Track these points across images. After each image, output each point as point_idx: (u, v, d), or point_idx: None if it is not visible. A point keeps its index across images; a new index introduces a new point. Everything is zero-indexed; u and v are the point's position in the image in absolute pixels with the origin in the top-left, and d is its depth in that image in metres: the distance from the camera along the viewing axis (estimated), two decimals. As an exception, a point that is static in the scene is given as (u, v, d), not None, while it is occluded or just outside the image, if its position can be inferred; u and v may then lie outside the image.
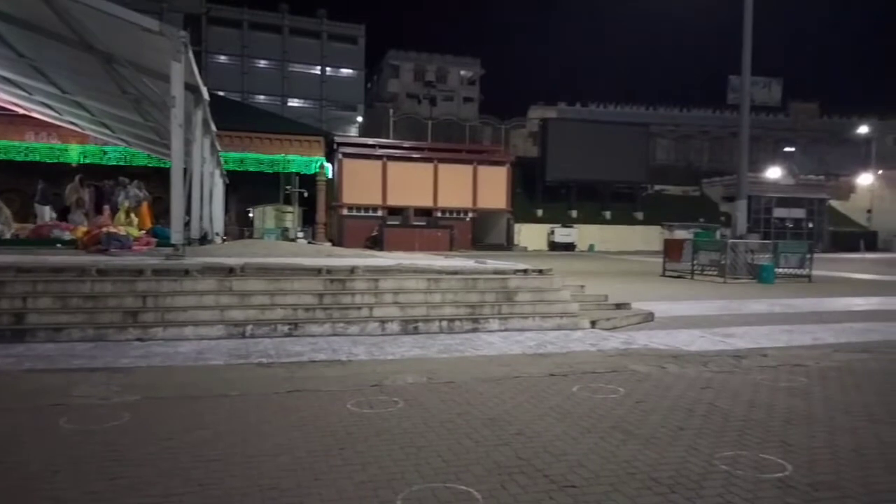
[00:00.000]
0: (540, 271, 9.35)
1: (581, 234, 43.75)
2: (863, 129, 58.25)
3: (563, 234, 43.28)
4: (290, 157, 35.12)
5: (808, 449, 3.93)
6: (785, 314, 10.66)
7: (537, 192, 47.36)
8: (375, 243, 34.07)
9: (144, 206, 18.31)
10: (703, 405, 4.90)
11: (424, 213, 39.62)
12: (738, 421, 4.50)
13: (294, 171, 35.76)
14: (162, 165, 25.53)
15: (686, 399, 5.07)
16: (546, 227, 44.16)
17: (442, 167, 40.53)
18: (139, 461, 3.57)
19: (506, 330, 8.01)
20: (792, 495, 3.24)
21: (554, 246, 42.52)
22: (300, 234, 35.82)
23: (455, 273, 8.83)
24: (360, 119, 58.32)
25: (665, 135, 59.81)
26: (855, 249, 44.83)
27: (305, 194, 37.67)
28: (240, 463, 3.56)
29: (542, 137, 49.23)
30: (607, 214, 47.82)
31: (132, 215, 16.93)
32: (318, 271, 8.36)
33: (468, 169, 41.15)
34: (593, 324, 8.40)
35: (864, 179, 55.22)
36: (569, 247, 42.18)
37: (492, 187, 41.28)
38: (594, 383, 5.52)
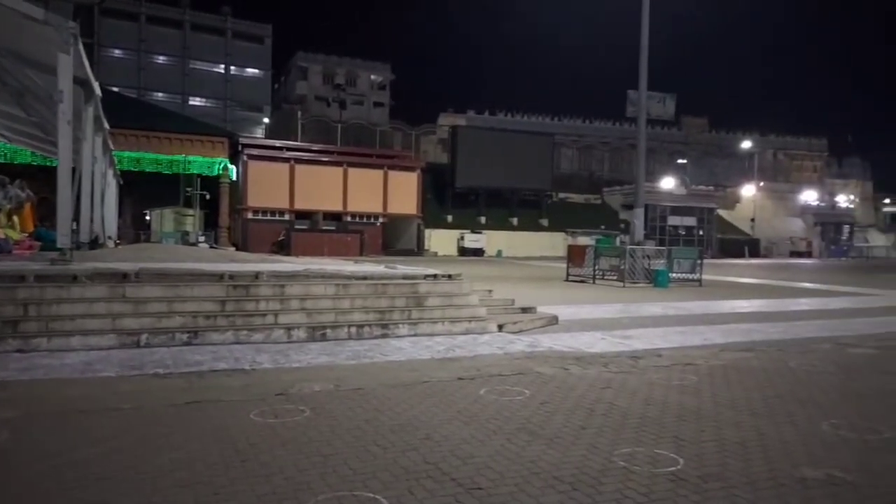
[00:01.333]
0: (449, 276, 9.44)
1: (490, 240, 44.55)
2: (746, 144, 62.93)
3: (472, 240, 43.89)
4: (191, 157, 33.64)
5: (697, 443, 4.18)
6: (678, 316, 11.29)
7: (447, 199, 47.82)
8: (282, 248, 33.25)
9: (27, 207, 16.93)
10: (604, 404, 5.10)
11: (334, 217, 39.07)
12: (636, 418, 4.72)
13: (195, 172, 34.27)
14: (48, 164, 23.76)
15: (588, 399, 5.26)
16: (456, 233, 44.66)
17: (352, 171, 40.14)
18: (19, 483, 3.29)
19: (415, 335, 8.02)
20: (683, 488, 3.42)
21: (463, 251, 43.05)
22: (201, 239, 34.37)
23: (364, 278, 8.75)
24: (266, 120, 56.79)
25: (569, 145, 62.06)
26: (740, 255, 48.33)
27: (207, 197, 36.20)
28: (132, 480, 3.36)
29: (451, 144, 49.78)
30: (515, 221, 48.99)
31: (14, 217, 15.63)
32: (219, 277, 8.04)
33: (379, 174, 40.97)
34: (500, 327, 8.57)
35: (748, 190, 59.61)
36: (478, 252, 42.83)
37: (402, 193, 41.30)
38: (501, 386, 5.62)
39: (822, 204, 63.78)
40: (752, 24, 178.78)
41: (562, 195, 55.49)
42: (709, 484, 3.48)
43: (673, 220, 50.55)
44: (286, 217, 38.04)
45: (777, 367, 6.79)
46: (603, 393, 5.48)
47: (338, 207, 39.48)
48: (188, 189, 35.98)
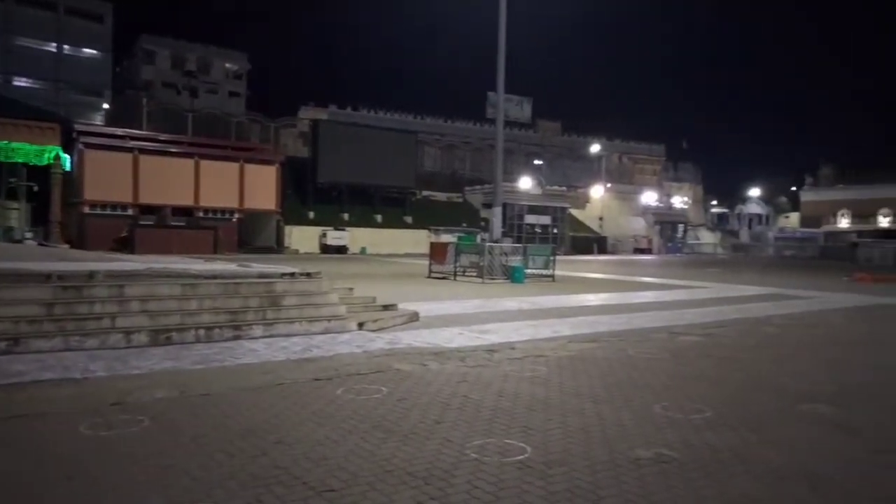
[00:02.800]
0: (308, 274, 9.19)
1: (353, 237, 44.10)
2: (595, 148, 67.36)
3: (335, 237, 43.20)
4: (14, 144, 29.96)
5: (544, 431, 4.37)
6: (532, 311, 11.81)
7: (309, 194, 46.71)
8: (125, 245, 30.70)
9: None
10: (459, 398, 5.20)
11: (184, 212, 36.72)
12: (488, 410, 4.85)
13: (20, 160, 30.59)
14: None
15: (444, 394, 5.34)
16: (318, 230, 43.72)
17: (204, 164, 37.95)
18: None
19: (271, 336, 7.72)
20: (530, 475, 3.56)
21: (326, 249, 42.25)
22: (28, 235, 30.90)
23: (214, 277, 8.28)
24: (106, 106, 52.09)
25: (432, 143, 63.01)
26: (590, 252, 51.66)
27: (36, 189, 32.59)
28: (-76, 512, 2.92)
29: (313, 138, 48.68)
30: (379, 218, 48.89)
31: None
32: (46, 277, 7.25)
33: (234, 167, 39.09)
34: (361, 326, 8.48)
35: (597, 191, 63.86)
36: (341, 249, 42.24)
37: (260, 187, 39.71)
38: (358, 385, 5.56)
39: (661, 205, 69.87)
40: (600, 37, 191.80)
41: (425, 193, 56.22)
42: (553, 469, 3.64)
43: (530, 219, 52.97)
44: (129, 212, 35.18)
45: (618, 355, 7.31)
46: (459, 387, 5.59)
47: (188, 202, 37.16)
48: (12, 180, 32.18)
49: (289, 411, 4.71)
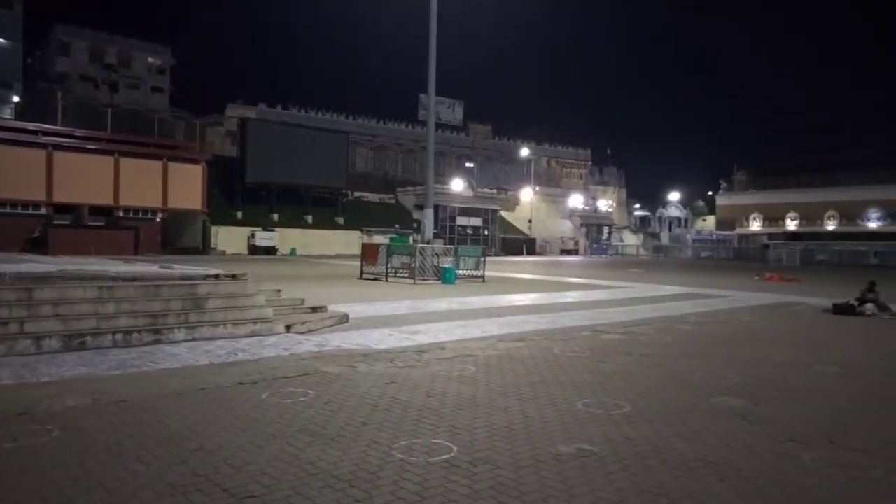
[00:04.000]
0: (233, 276, 8.96)
1: (283, 238, 43.22)
2: (525, 152, 68.65)
3: (264, 238, 42.21)
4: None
5: (471, 430, 4.44)
6: (462, 311, 11.93)
7: (237, 194, 45.45)
8: (38, 246, 29.00)
9: None
10: (387, 399, 5.20)
11: (103, 211, 35.06)
12: (416, 411, 4.88)
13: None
14: None
15: (372, 395, 5.33)
16: (246, 230, 42.61)
17: (125, 161, 36.36)
18: None
19: (193, 340, 7.48)
20: (455, 473, 3.61)
21: (255, 250, 41.22)
22: (-72, 235, 28.72)
23: (134, 279, 7.96)
24: (16, 99, 49.09)
25: (364, 144, 62.53)
26: (520, 253, 52.57)
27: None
28: None
29: (241, 137, 47.38)
30: (309, 218, 48.12)
31: None
32: (-54, 280, 6.78)
33: (157, 165, 37.64)
34: (288, 328, 8.34)
35: (526, 194, 65.08)
36: (270, 251, 41.31)
37: (185, 186, 38.39)
38: (285, 388, 5.47)
39: (587, 208, 71.93)
40: (530, 43, 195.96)
41: (357, 194, 55.75)
42: (478, 468, 3.71)
43: (461, 220, 53.43)
44: (42, 211, 33.31)
45: (543, 354, 7.49)
46: (387, 388, 5.59)
47: (108, 201, 35.53)
48: None
49: (211, 417, 4.59)
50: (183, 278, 8.44)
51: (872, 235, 61.41)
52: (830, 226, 69.89)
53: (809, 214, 72.18)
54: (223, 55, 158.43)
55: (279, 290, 10.07)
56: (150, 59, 56.40)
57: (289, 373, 6.06)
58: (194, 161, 39.86)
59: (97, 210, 34.56)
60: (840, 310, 12.64)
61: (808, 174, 74.82)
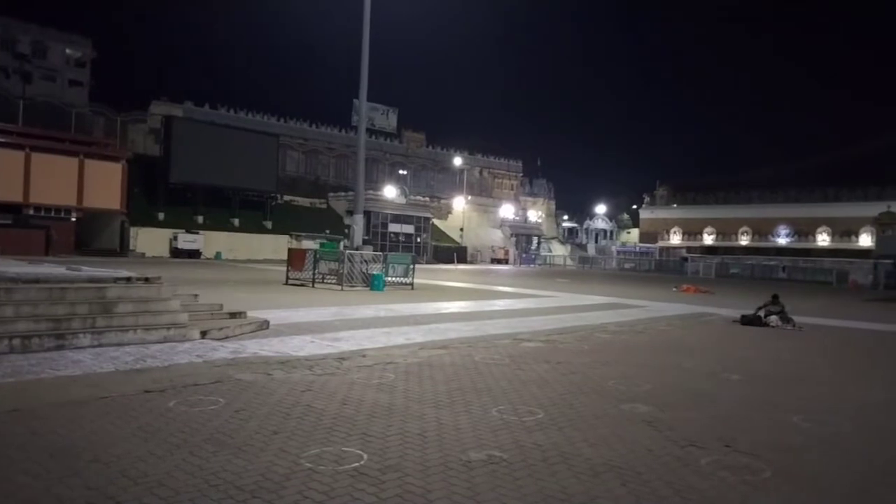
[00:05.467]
0: (146, 279, 8.59)
1: (207, 241, 41.89)
2: (458, 161, 69.26)
3: (187, 241, 40.80)
4: None
5: (383, 437, 4.41)
6: (388, 318, 11.87)
7: (159, 195, 43.77)
8: (-65, 244, 27.01)
9: None
10: (301, 407, 5.11)
11: (11, 209, 33.01)
12: (330, 419, 4.81)
13: None
14: None
15: (286, 403, 5.22)
16: (168, 233, 41.07)
17: (37, 157, 34.37)
18: None
19: (100, 346, 7.12)
20: (363, 482, 3.58)
21: (177, 253, 39.77)
22: None
23: (36, 281, 7.51)
24: (-85, 86, 45.61)
25: (295, 147, 61.45)
26: (451, 261, 52.85)
27: None
28: None
29: (165, 136, 45.72)
30: (236, 222, 46.86)
31: None
32: None
33: (73, 162, 35.76)
34: (204, 334, 8.06)
35: (459, 203, 65.61)
36: (194, 254, 39.95)
37: (103, 185, 36.63)
38: (194, 396, 5.28)
39: (518, 218, 73.18)
40: (464, 54, 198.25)
41: (287, 198, 54.71)
42: (387, 475, 3.69)
43: (394, 227, 53.30)
44: (-58, 206, 31.08)
45: (464, 361, 7.55)
46: (302, 396, 5.49)
47: (17, 198, 33.49)
48: None
49: (111, 426, 4.38)
50: (91, 281, 8.04)
51: (781, 251, 65.24)
52: (744, 241, 73.82)
53: (725, 230, 76.04)
54: (149, 50, 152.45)
55: (196, 295, 9.74)
56: (68, 51, 53.55)
57: (200, 380, 5.86)
58: (114, 159, 38.14)
59: (4, 207, 32.52)
60: (747, 321, 13.34)
61: (724, 191, 78.95)
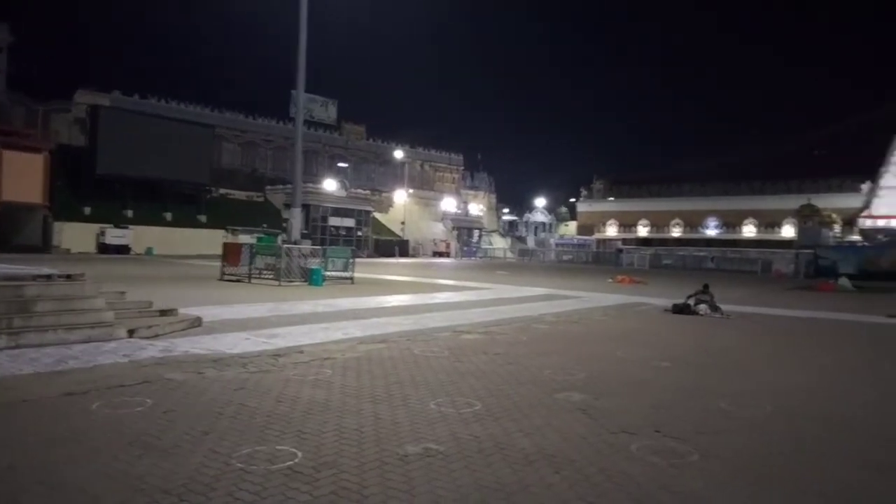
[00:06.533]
0: (68, 276, 8.17)
1: (138, 236, 40.26)
2: (399, 154, 68.92)
3: (115, 236, 39.10)
4: None
5: (319, 434, 4.35)
6: (327, 313, 11.71)
7: (85, 187, 41.78)
8: None
9: None
10: (234, 406, 4.98)
11: (-81, 203, 30.89)
12: (264, 417, 4.71)
13: None
14: None
15: (218, 402, 5.08)
16: (95, 227, 39.26)
17: (-51, 147, 32.25)
18: None
19: (17, 347, 6.74)
20: (297, 480, 3.51)
21: (105, 248, 38.07)
22: None
23: (-55, 280, 7.05)
24: None
25: (231, 139, 59.81)
26: (392, 255, 52.62)
27: None
28: None
29: (92, 126, 43.63)
30: (169, 216, 45.21)
31: None
32: None
33: (-12, 153, 33.70)
34: (131, 333, 7.75)
35: (400, 196, 65.34)
36: (122, 249, 38.33)
37: (23, 177, 34.64)
38: (119, 398, 5.07)
39: (459, 211, 73.48)
40: (405, 45, 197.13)
41: (223, 191, 53.16)
42: (321, 473, 3.64)
43: (334, 221, 52.55)
44: None
45: (403, 355, 7.53)
46: (235, 395, 5.35)
47: (-75, 191, 31.35)
48: None
49: (28, 432, 4.16)
50: (7, 279, 7.60)
51: (710, 242, 67.83)
52: (676, 232, 76.47)
53: (658, 222, 78.60)
54: (74, 37, 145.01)
55: (123, 293, 9.36)
56: (-19, 35, 50.34)
57: (126, 381, 5.63)
58: (34, 150, 36.13)
59: (-89, 201, 30.39)
60: (678, 310, 13.82)
61: (658, 185, 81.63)
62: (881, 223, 61.60)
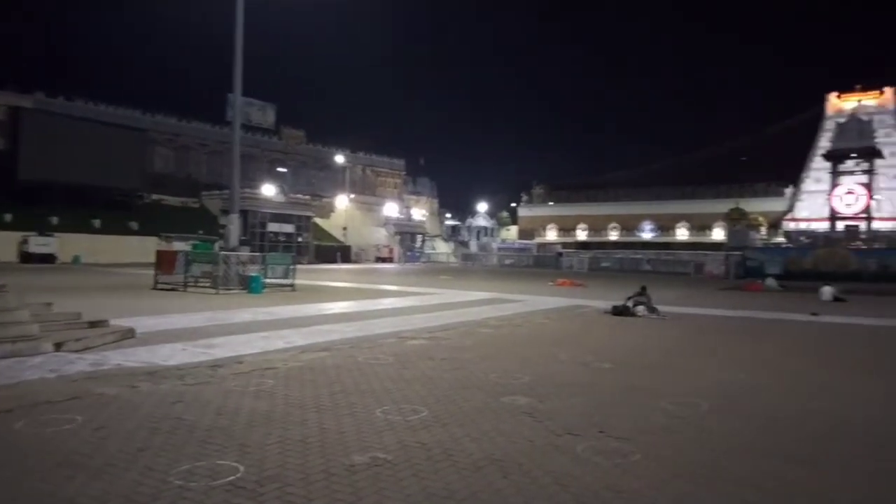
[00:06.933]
0: (-12, 288, 7.71)
1: (64, 244, 38.39)
2: (340, 159, 68.25)
3: (39, 244, 37.19)
4: None
5: (262, 447, 4.23)
6: (267, 321, 11.44)
7: (5, 194, 39.60)
8: None
9: None
10: (171, 420, 4.79)
11: None
12: (203, 431, 4.54)
13: None
14: None
15: (154, 417, 4.87)
16: (17, 235, 37.24)
17: None
18: None
19: (-69, 364, 6.30)
20: (239, 496, 3.40)
21: (28, 257, 36.14)
22: None
23: None
24: None
25: (164, 143, 57.92)
26: (334, 261, 51.98)
27: None
28: None
29: (12, 129, 41.52)
30: (98, 223, 43.33)
31: None
32: None
33: None
34: (59, 346, 7.35)
35: (341, 201, 64.68)
36: (47, 258, 36.48)
37: (-64, 183, 32.62)
38: (46, 415, 4.80)
39: (401, 216, 73.30)
40: (344, 51, 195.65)
41: (156, 196, 51.45)
42: (265, 487, 3.53)
43: (273, 227, 51.46)
44: None
45: (347, 363, 7.42)
46: (173, 408, 5.15)
47: None
48: None
49: (-57, 456, 3.88)
50: (-81, 292, 7.09)
51: (646, 245, 70.06)
52: (613, 236, 78.61)
53: (596, 226, 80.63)
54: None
55: (50, 304, 8.90)
56: None
57: (54, 397, 5.34)
58: (-52, 153, 34.01)
59: None
60: (618, 311, 14.16)
61: (595, 190, 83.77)
62: (803, 226, 65.03)
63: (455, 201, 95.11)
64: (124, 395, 5.53)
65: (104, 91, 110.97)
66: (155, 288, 18.27)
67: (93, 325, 8.65)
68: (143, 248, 40.60)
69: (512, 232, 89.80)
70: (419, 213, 77.75)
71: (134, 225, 45.27)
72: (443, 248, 74.87)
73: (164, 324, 10.46)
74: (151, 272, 19.74)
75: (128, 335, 8.71)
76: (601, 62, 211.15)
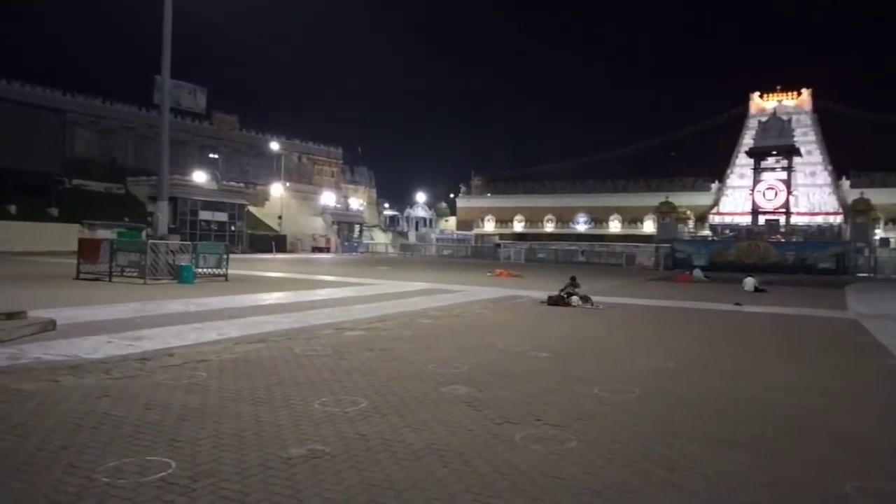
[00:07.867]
0: None
1: (-25, 232, 36.11)
2: (274, 146, 66.77)
3: (-53, 231, 34.83)
4: None
5: (194, 442, 4.09)
6: (199, 312, 11.08)
7: None
8: None
9: None
10: (96, 416, 4.57)
11: None
12: (131, 427, 4.36)
13: None
14: None
15: (77, 412, 4.64)
16: (-78, 222, 34.74)
17: None
18: None
19: None
20: (171, 492, 3.28)
21: (-66, 245, 33.80)
22: None
23: None
24: None
25: (86, 126, 55.13)
26: (269, 250, 50.89)
27: None
28: None
29: (-85, 106, 38.55)
30: (13, 209, 40.92)
31: None
32: None
33: None
34: (-30, 339, 6.91)
35: (276, 189, 63.32)
36: (-43, 246, 34.21)
37: None
38: (-44, 414, 4.50)
39: (339, 206, 72.38)
40: (284, 38, 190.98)
41: (77, 182, 48.95)
42: (199, 482, 3.42)
43: (205, 215, 49.93)
44: None
45: (284, 354, 7.28)
46: (98, 403, 4.92)
47: None
48: None
49: None
50: None
51: (581, 236, 71.70)
52: (549, 228, 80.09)
53: (533, 218, 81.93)
54: None
55: (-40, 294, 8.31)
56: None
57: (-35, 394, 5.01)
58: None
59: None
60: (553, 301, 14.45)
61: (532, 182, 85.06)
62: (728, 219, 68.05)
63: (394, 191, 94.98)
64: (45, 390, 5.24)
65: (20, 69, 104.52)
66: (77, 278, 17.42)
67: (9, 316, 8.15)
68: (65, 235, 38.63)
69: (450, 223, 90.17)
70: (357, 203, 77.00)
71: (54, 211, 43.01)
72: (381, 239, 74.48)
73: (88, 315, 9.98)
74: (74, 261, 18.80)
75: (48, 327, 8.26)
76: (539, 53, 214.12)
